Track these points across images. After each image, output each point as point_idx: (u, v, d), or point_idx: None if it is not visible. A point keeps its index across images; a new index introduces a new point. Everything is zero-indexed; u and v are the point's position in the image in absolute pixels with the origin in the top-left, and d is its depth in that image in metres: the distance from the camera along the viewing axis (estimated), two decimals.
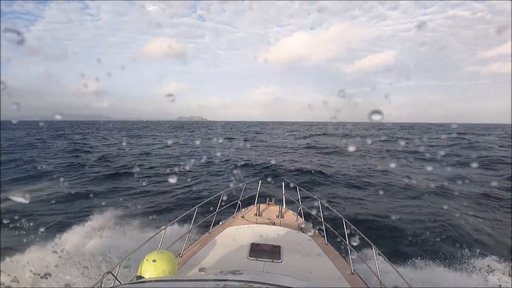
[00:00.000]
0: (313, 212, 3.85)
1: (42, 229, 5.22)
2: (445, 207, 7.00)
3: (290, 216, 4.12)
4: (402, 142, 24.74)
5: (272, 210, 4.27)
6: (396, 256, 4.72)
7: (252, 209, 4.27)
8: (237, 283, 1.41)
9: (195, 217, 3.31)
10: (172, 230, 4.46)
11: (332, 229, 3.40)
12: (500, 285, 4.02)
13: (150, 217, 6.29)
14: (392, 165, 13.48)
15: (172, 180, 9.58)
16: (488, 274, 4.27)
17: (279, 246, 2.83)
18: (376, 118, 1.78)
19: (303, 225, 3.49)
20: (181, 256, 2.79)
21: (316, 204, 3.97)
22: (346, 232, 3.08)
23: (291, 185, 4.91)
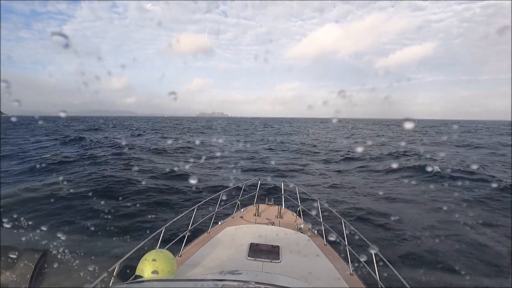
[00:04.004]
0: (313, 213, 3.85)
1: (44, 227, 5.22)
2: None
3: (289, 216, 4.12)
4: None
5: (271, 210, 4.27)
6: (395, 256, 4.72)
7: (251, 209, 4.27)
8: (235, 283, 1.41)
9: (194, 217, 3.31)
10: (171, 229, 4.46)
11: (331, 229, 3.40)
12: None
13: (149, 216, 6.29)
14: None
15: None
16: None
17: (278, 246, 2.83)
18: (408, 126, 1.71)
19: (302, 226, 3.49)
20: (180, 256, 2.79)
21: (315, 204, 3.97)
22: (345, 232, 3.07)
23: (291, 185, 4.90)
